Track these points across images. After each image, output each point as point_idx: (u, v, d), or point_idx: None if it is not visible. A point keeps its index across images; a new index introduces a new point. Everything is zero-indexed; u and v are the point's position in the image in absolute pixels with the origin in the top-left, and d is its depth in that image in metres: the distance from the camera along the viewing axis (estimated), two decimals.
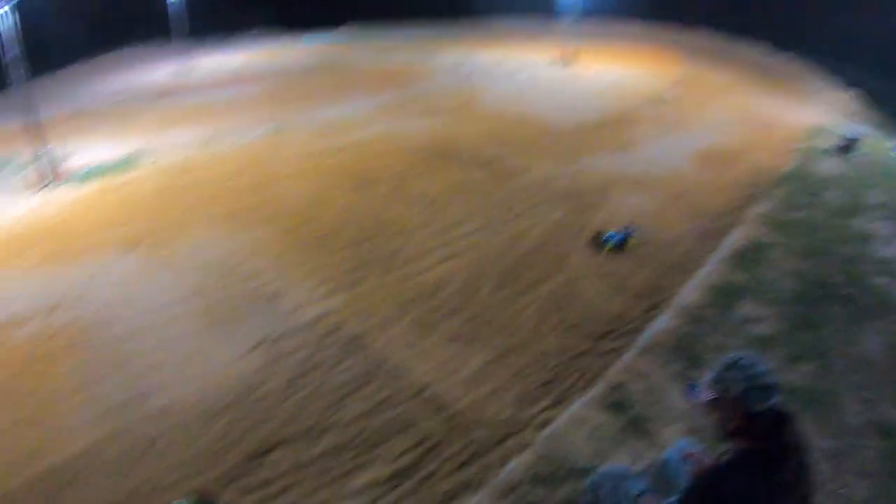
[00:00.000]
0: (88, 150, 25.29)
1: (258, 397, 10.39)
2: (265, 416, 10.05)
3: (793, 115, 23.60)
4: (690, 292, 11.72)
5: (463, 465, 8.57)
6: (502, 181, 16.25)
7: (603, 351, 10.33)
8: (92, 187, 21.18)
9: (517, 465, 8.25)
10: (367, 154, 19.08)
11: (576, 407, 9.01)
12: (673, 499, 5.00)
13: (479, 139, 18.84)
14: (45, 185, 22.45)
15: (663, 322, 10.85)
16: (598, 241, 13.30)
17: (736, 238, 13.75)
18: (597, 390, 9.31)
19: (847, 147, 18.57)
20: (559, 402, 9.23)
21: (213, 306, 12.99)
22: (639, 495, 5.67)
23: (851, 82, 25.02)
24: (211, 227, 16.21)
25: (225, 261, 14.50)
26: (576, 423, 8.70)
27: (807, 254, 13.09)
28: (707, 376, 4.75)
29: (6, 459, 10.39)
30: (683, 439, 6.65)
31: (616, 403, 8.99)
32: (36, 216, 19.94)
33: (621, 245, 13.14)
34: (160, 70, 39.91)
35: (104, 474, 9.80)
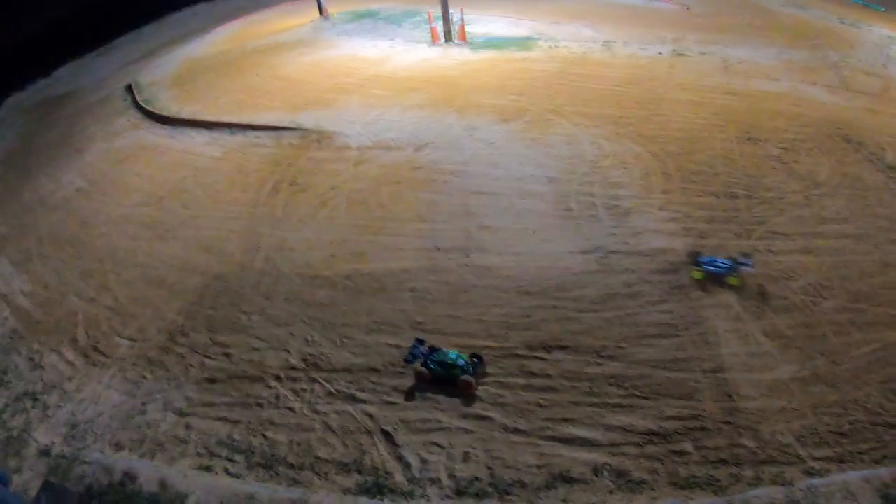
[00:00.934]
0: (487, 23, 27.24)
1: (571, 297, 10.88)
2: (570, 316, 10.52)
3: None
4: None
5: (716, 462, 8.28)
6: None
7: None
8: (486, 55, 22.91)
9: (761, 496, 7.78)
10: (762, 108, 17.65)
11: (851, 477, 8.00)
12: None
13: (888, 137, 16.35)
14: (443, 42, 24.81)
15: None
16: (693, 261, 11.27)
17: None
18: (882, 473, 8.07)
19: None
20: (840, 461, 8.23)
21: (568, 197, 13.64)
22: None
23: None
24: (592, 124, 16.67)
25: (596, 161, 14.95)
26: (841, 492, 7.80)
27: None
28: None
29: (333, 252, 12.63)
30: None
31: (888, 498, 7.75)
32: (428, 66, 22.35)
33: (720, 277, 10.95)
34: None
35: (408, 298, 11.33)
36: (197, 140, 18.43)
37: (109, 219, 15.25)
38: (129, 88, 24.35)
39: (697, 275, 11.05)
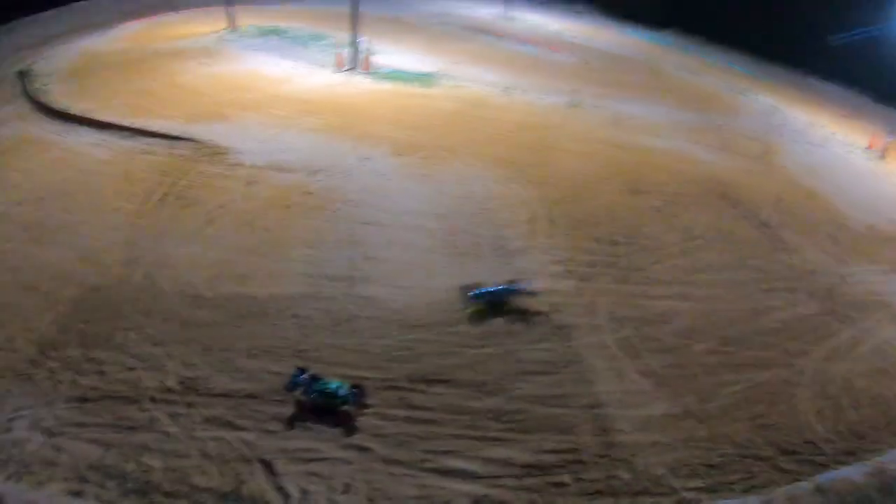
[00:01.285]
0: (394, 55, 27.66)
1: (454, 332, 11.12)
2: (452, 351, 10.72)
3: None
4: None
5: (593, 494, 8.62)
6: (768, 249, 15.26)
7: (780, 467, 9.52)
8: (388, 86, 23.27)
9: None
10: (647, 162, 18.96)
11: None
12: None
13: (763, 196, 17.81)
14: (348, 69, 24.96)
15: (853, 473, 9.62)
16: (464, 297, 11.72)
17: None
18: (751, 501, 8.80)
19: None
20: (712, 490, 8.85)
21: (455, 235, 13.97)
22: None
23: None
24: (483, 166, 17.19)
25: (484, 202, 15.41)
26: None
27: None
28: None
29: (217, 273, 12.25)
30: None
31: None
32: (330, 92, 22.42)
33: (494, 306, 11.50)
34: (482, 9, 42.26)
35: (290, 325, 11.15)
36: (85, 140, 17.60)
37: None
38: (20, 75, 23.07)
39: (476, 308, 11.42)
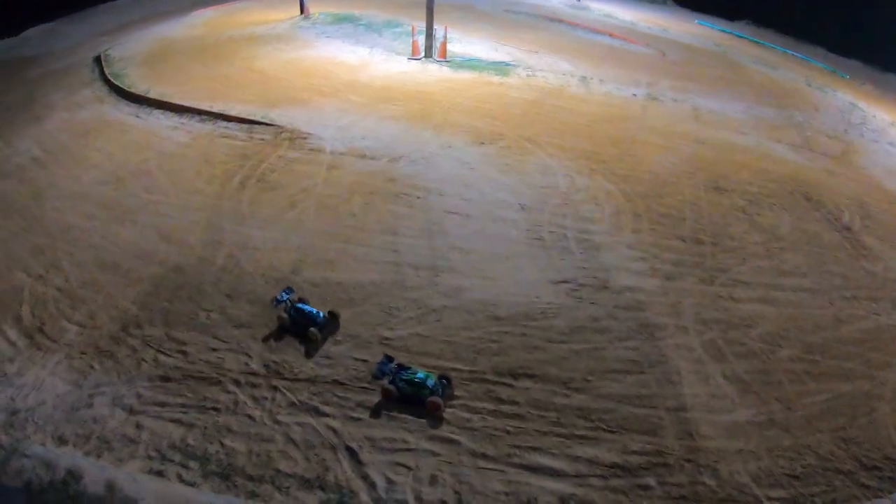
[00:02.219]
0: (468, 43, 27.50)
1: (539, 326, 11.03)
2: (538, 345, 10.65)
3: None
4: None
5: (678, 498, 8.48)
6: (851, 255, 14.64)
7: (861, 483, 9.17)
8: (464, 75, 23.14)
9: None
10: (729, 159, 18.39)
11: None
12: None
13: (845, 198, 17.14)
14: (423, 57, 24.92)
15: None
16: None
17: None
18: None
19: None
20: (793, 502, 8.61)
21: (540, 227, 13.87)
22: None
23: None
24: (566, 157, 16.98)
25: (569, 194, 15.23)
26: None
27: None
28: None
29: (300, 257, 12.46)
30: None
31: None
32: (407, 79, 22.45)
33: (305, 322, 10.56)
34: None
35: (376, 312, 11.21)
36: (164, 123, 18.06)
37: (65, 193, 14.79)
38: (97, 60, 23.73)
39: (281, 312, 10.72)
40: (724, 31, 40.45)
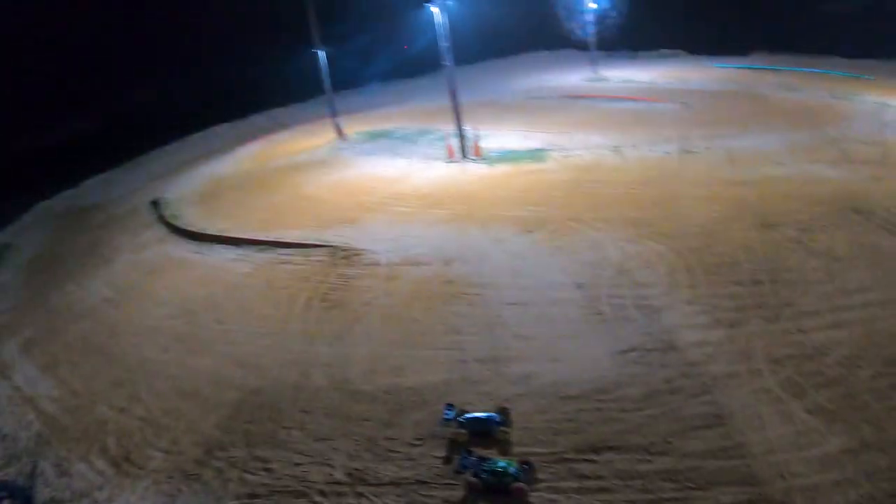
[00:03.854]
0: (500, 136, 28.52)
1: (613, 398, 11.10)
2: (614, 417, 10.70)
3: None
4: None
5: None
6: None
7: None
8: (502, 168, 23.99)
9: None
10: (772, 193, 18.36)
11: None
12: None
13: (894, 200, 16.83)
14: (459, 159, 25.93)
15: None
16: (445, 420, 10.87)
17: None
18: None
19: None
20: None
21: (598, 301, 14.07)
22: None
23: None
24: (612, 228, 17.31)
25: (621, 263, 15.48)
26: None
27: None
28: None
29: (370, 367, 12.91)
30: None
31: None
32: (447, 182, 23.36)
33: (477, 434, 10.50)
34: (571, 75, 42.92)
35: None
36: (225, 256, 19.23)
37: (139, 329, 15.85)
38: (154, 203, 25.58)
39: (455, 433, 10.69)
40: (740, 67, 40.73)
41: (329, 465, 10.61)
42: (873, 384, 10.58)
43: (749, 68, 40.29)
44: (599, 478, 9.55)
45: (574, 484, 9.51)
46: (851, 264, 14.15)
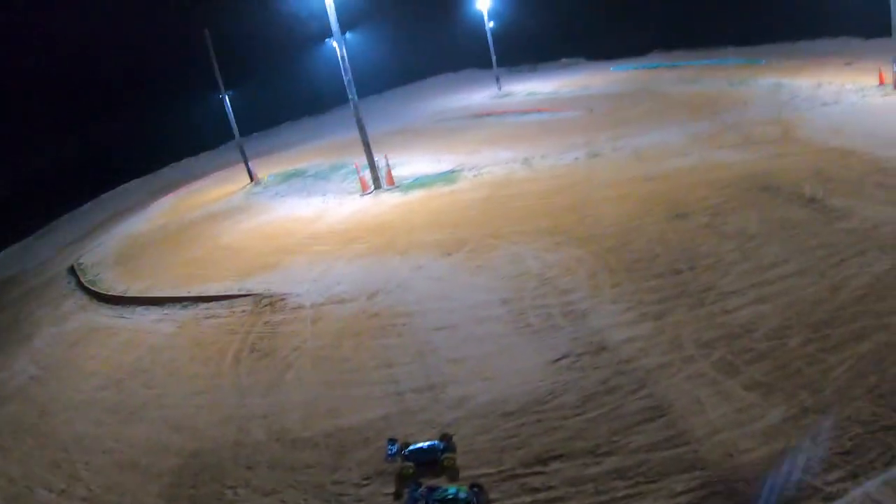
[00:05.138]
0: (412, 163, 28.76)
1: (551, 407, 10.98)
2: (553, 426, 10.57)
3: None
4: None
5: None
6: (824, 223, 14.90)
7: None
8: (416, 194, 24.12)
9: None
10: (681, 184, 18.98)
11: (870, 486, 8.09)
12: None
13: (798, 174, 17.59)
14: (373, 190, 25.89)
15: None
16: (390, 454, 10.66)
17: None
18: None
19: None
20: (854, 476, 8.34)
21: (523, 314, 14.04)
22: None
23: None
24: (530, 240, 17.45)
25: (541, 273, 15.57)
26: (866, 503, 7.86)
27: None
28: None
29: (307, 413, 12.55)
30: None
31: None
32: (364, 215, 23.32)
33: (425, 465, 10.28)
34: (476, 94, 43.73)
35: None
36: (148, 317, 18.61)
37: (69, 405, 15.06)
38: (71, 270, 24.68)
39: (403, 468, 10.35)
40: (637, 67, 42.27)
41: None
42: (803, 351, 10.82)
43: (647, 67, 41.83)
44: (550, 488, 9.35)
45: (527, 498, 9.28)
46: (765, 240, 14.63)
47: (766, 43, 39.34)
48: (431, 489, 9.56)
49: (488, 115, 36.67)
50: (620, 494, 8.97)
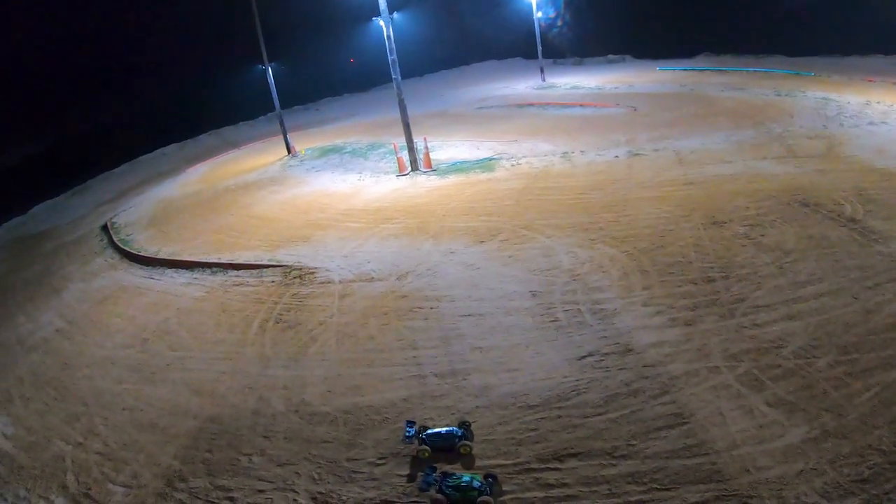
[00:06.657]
0: (450, 148, 28.69)
1: (573, 404, 11.05)
2: (573, 423, 10.64)
3: None
4: None
5: None
6: (862, 244, 14.64)
7: None
8: (452, 179, 24.10)
9: None
10: (721, 191, 18.76)
11: None
12: None
13: (841, 192, 17.29)
14: (410, 171, 25.95)
15: None
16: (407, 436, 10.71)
17: None
18: None
19: None
20: None
21: (553, 308, 14.10)
22: None
23: None
24: (564, 234, 17.46)
25: (574, 269, 15.57)
26: None
27: None
28: None
29: (328, 388, 12.70)
30: None
31: None
32: (399, 196, 23.38)
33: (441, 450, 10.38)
34: (519, 83, 43.46)
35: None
36: (177, 280, 18.98)
37: (92, 361, 15.44)
38: (104, 228, 25.11)
39: (420, 450, 10.49)
40: (685, 69, 41.68)
41: (293, 490, 10.30)
42: (830, 373, 10.72)
43: (694, 70, 41.25)
44: (564, 485, 9.44)
45: (540, 494, 9.38)
46: (801, 256, 14.43)
47: (816, 55, 38.69)
48: (446, 475, 9.70)
49: (530, 105, 36.49)
50: (634, 499, 9.03)
